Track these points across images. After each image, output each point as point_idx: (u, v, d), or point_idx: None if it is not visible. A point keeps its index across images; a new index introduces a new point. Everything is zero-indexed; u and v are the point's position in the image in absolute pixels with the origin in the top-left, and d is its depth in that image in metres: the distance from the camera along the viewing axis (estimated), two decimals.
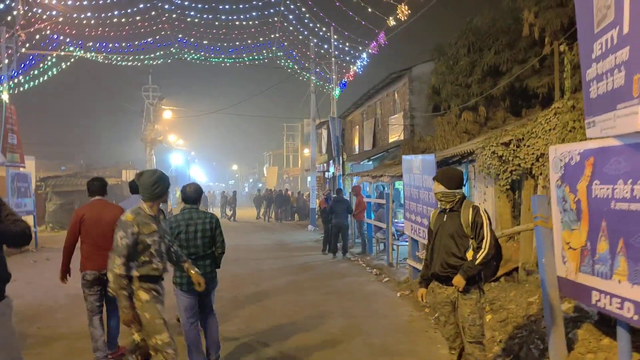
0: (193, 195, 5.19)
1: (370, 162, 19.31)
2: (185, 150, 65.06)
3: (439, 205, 4.49)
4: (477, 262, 4.17)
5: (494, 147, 7.54)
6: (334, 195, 14.52)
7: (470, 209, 4.30)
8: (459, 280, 4.23)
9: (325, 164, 27.06)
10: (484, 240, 4.19)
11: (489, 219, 4.30)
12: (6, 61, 16.10)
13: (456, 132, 13.89)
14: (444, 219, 4.45)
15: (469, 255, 4.24)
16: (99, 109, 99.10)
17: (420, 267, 9.14)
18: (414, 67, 19.26)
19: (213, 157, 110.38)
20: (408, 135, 19.13)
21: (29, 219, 18.99)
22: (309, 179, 57.78)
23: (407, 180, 9.08)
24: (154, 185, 4.09)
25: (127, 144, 51.91)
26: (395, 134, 20.65)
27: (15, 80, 17.08)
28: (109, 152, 57.21)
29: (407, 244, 11.64)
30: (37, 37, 17.00)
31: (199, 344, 5.07)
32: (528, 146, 7.31)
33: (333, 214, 14.05)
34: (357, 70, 19.71)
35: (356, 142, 27.94)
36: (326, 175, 28.67)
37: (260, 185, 70.81)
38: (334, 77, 18.95)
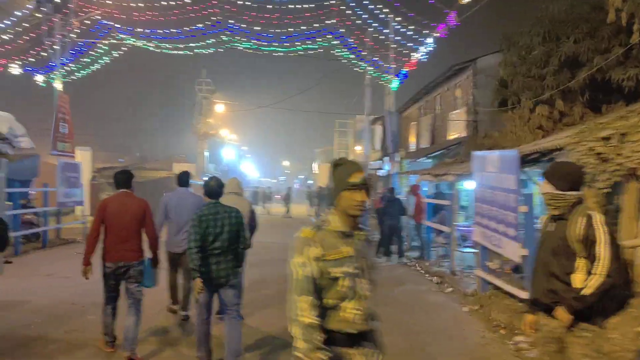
0: (218, 189, 5.18)
1: (429, 160, 18.11)
2: (237, 145, 65.34)
3: (548, 210, 3.44)
4: (586, 292, 3.09)
5: (592, 143, 6.33)
6: (388, 195, 13.48)
7: (581, 218, 3.21)
8: (562, 314, 3.18)
9: (378, 162, 25.96)
10: (598, 263, 3.11)
11: (609, 233, 3.19)
12: (58, 47, 15.95)
13: (529, 128, 12.52)
14: (550, 228, 3.41)
15: (577, 279, 3.18)
16: (152, 101, 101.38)
17: (490, 278, 8.01)
18: (478, 58, 17.89)
19: (265, 153, 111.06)
20: (471, 131, 17.80)
21: (79, 209, 18.98)
22: None
23: (478, 180, 7.96)
24: None
25: (180, 137, 52.41)
26: (456, 131, 19.33)
27: (67, 69, 16.92)
28: (163, 145, 58.04)
29: (473, 250, 10.52)
30: (88, 22, 16.82)
31: (207, 342, 5.04)
32: (634, 142, 6.07)
33: (386, 215, 13.07)
34: (421, 57, 18.45)
35: (412, 139, 26.67)
36: (379, 173, 27.53)
37: (310, 182, 70.30)
38: (392, 66, 17.77)
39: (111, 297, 5.32)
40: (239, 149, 68.88)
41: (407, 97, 27.05)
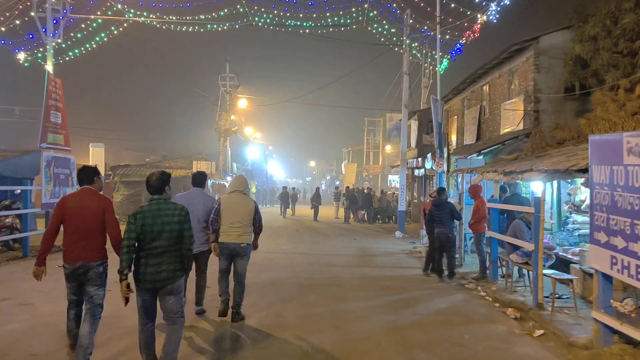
0: (158, 184, 4.84)
1: (481, 157, 15.36)
2: (262, 144, 63.20)
3: None
4: None
5: None
6: (435, 198, 10.85)
7: None
8: None
9: (416, 160, 23.22)
10: None
11: None
12: (49, 20, 13.75)
13: (625, 112, 9.73)
14: None
15: None
16: (175, 97, 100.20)
17: (619, 325, 5.32)
18: (541, 36, 15.04)
19: (291, 153, 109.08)
20: (530, 123, 15.00)
21: None
22: (390, 177, 54.15)
23: (601, 178, 5.30)
24: None
25: (201, 134, 50.49)
26: (510, 124, 16.53)
27: (58, 47, 14.71)
28: (185, 142, 56.20)
29: (566, 276, 7.87)
30: (91, 1, 14.60)
31: (148, 348, 4.75)
32: None
33: (435, 222, 10.46)
34: (472, 32, 15.67)
35: (453, 135, 23.87)
36: (416, 173, 24.81)
37: (337, 182, 67.79)
38: (437, 45, 14.99)
39: (72, 300, 5.09)
40: (265, 148, 66.76)
41: (450, 89, 24.30)
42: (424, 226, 15.51)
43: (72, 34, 14.84)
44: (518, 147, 15.13)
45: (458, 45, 16.62)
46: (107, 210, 5.00)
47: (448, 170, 13.70)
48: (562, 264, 9.46)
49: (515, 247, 8.66)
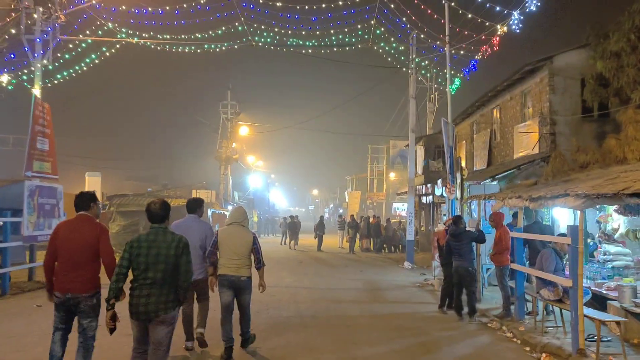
0: (160, 212, 4.73)
1: (495, 182, 14.47)
2: (265, 173, 62.50)
3: None
4: None
5: None
6: (452, 227, 9.91)
7: None
8: None
9: (424, 186, 22.32)
10: None
11: None
12: (39, 44, 13.07)
13: None
14: None
15: None
16: (175, 124, 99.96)
17: None
18: (555, 55, 14.33)
19: (294, 182, 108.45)
20: (547, 146, 14.16)
21: None
22: (394, 204, 53.17)
23: None
24: None
25: (202, 163, 49.75)
26: (524, 148, 15.70)
27: (46, 70, 13.99)
28: (187, 171, 55.44)
29: (599, 315, 6.91)
30: (79, 20, 13.93)
31: None
32: None
33: (453, 255, 9.48)
34: (490, 46, 14.90)
35: (462, 161, 23.00)
36: (424, 200, 23.89)
37: (341, 210, 66.80)
38: (448, 62, 14.21)
39: (59, 328, 4.87)
40: (267, 176, 66.04)
41: (453, 114, 23.55)
42: (437, 258, 14.58)
43: (59, 54, 14.15)
44: (535, 171, 14.27)
45: (472, 62, 15.76)
46: (102, 237, 4.86)
47: (462, 197, 12.78)
48: (595, 300, 8.47)
49: (545, 282, 7.68)
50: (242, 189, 49.39)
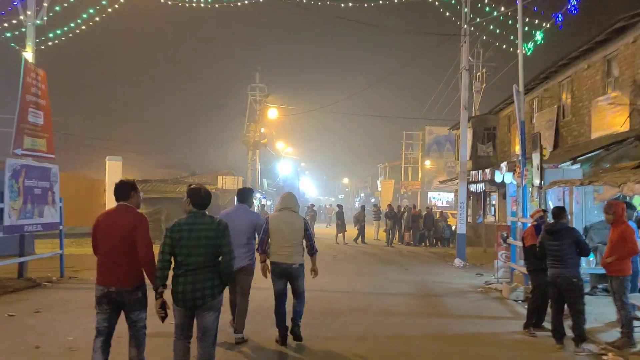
0: (207, 199, 4.67)
1: (576, 166, 11.89)
2: (295, 160, 60.32)
3: None
4: None
5: None
6: (549, 222, 7.44)
7: None
8: None
9: (476, 172, 19.68)
10: None
11: None
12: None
13: None
14: None
15: None
16: (202, 108, 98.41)
17: None
18: None
19: (324, 171, 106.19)
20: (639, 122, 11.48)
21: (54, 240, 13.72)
22: (430, 194, 50.43)
23: None
24: None
25: (228, 147, 47.82)
26: (607, 126, 13.00)
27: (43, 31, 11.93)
28: (212, 157, 53.59)
29: None
30: None
31: None
32: None
33: (550, 259, 6.93)
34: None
35: (517, 145, 20.30)
36: (471, 189, 21.23)
37: (373, 199, 64.26)
38: (520, 15, 11.37)
39: (102, 329, 4.57)
40: (297, 164, 63.85)
41: (504, 95, 20.76)
42: (502, 257, 12.09)
43: (57, 9, 12.09)
44: (627, 152, 11.59)
45: (555, 15, 13.02)
46: (139, 227, 4.57)
47: (541, 184, 10.25)
48: None
49: None
50: (271, 176, 47.39)
